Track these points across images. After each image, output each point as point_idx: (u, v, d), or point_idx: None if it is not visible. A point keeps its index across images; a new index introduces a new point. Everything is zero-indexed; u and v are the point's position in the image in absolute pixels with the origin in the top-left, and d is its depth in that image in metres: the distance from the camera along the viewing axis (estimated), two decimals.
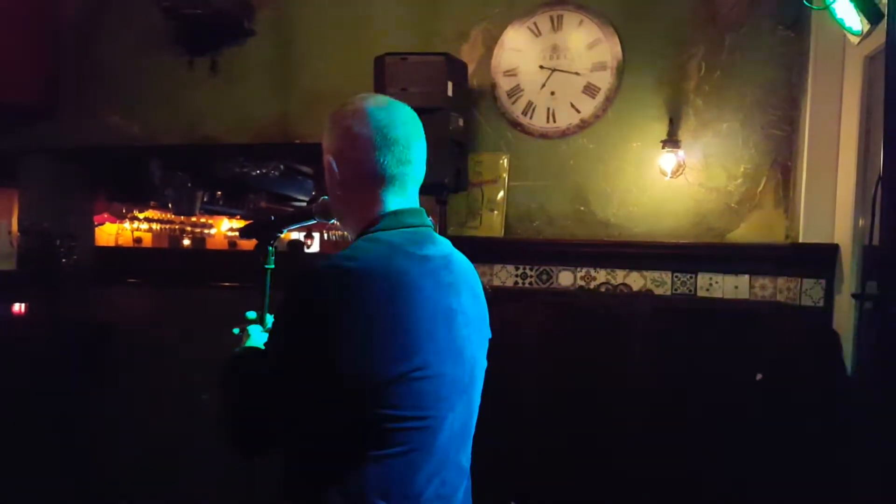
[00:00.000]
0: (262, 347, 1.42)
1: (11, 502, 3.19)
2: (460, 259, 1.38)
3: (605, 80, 3.08)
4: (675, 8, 3.01)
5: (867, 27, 1.96)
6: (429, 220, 1.37)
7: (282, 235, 1.71)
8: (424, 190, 1.39)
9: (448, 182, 2.86)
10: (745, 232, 2.95)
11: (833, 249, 2.71)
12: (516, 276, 3.19)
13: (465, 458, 1.35)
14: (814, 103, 2.76)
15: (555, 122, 3.14)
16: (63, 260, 3.81)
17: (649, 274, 3.03)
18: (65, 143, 3.79)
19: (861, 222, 2.60)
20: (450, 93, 2.81)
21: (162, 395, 3.44)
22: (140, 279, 3.94)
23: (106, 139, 3.74)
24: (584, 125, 3.11)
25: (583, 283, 3.11)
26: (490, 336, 1.41)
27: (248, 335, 1.52)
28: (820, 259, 2.75)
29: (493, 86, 3.21)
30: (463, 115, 2.95)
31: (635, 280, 3.05)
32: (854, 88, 2.63)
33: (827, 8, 2.06)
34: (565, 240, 3.13)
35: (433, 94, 2.77)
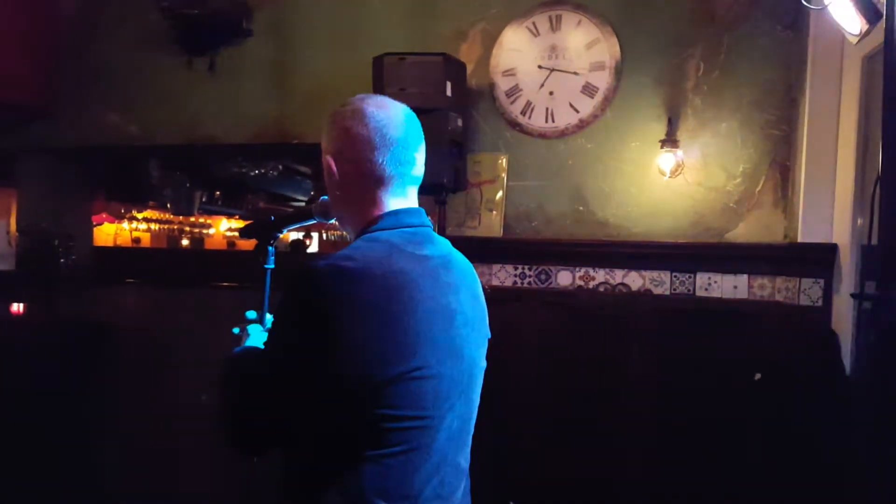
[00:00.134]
0: (262, 347, 1.42)
1: (11, 502, 3.18)
2: (460, 259, 1.38)
3: (603, 80, 3.08)
4: (674, 8, 3.02)
5: (865, 27, 1.96)
6: (428, 220, 1.37)
7: (281, 235, 1.72)
8: (423, 190, 1.39)
9: (447, 182, 2.86)
10: (743, 232, 2.96)
11: (832, 249, 2.72)
12: (515, 275, 3.19)
13: (464, 459, 1.35)
14: (812, 103, 2.76)
15: (553, 121, 3.14)
16: (61, 260, 3.81)
17: (648, 274, 3.03)
18: (63, 143, 3.79)
19: (860, 222, 2.60)
20: (448, 93, 2.82)
21: (160, 396, 3.44)
22: (138, 279, 3.94)
23: (104, 139, 3.74)
24: (582, 125, 3.11)
25: (581, 282, 3.11)
26: (489, 336, 1.41)
27: (248, 335, 1.52)
28: (818, 259, 2.75)
29: (492, 86, 3.21)
30: (461, 116, 2.96)
31: (634, 280, 3.06)
32: (852, 88, 2.63)
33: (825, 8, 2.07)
34: (564, 240, 3.14)
35: (432, 94, 2.77)
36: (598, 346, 3.02)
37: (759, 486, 2.67)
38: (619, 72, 3.06)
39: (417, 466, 1.21)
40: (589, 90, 3.10)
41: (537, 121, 3.16)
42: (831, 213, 2.74)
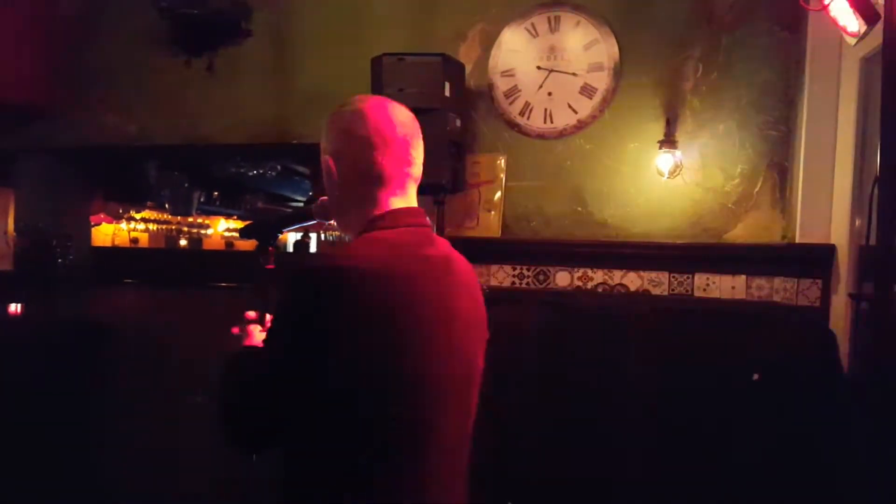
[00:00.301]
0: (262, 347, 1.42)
1: (11, 502, 3.18)
2: (459, 259, 1.38)
3: (602, 81, 3.08)
4: (672, 9, 3.02)
5: (864, 28, 1.97)
6: (427, 220, 1.37)
7: (281, 235, 1.72)
8: (422, 190, 1.39)
9: (445, 182, 2.86)
10: (741, 232, 2.96)
11: (830, 250, 2.72)
12: (513, 276, 3.19)
13: (463, 459, 1.35)
14: (810, 104, 2.76)
15: (552, 122, 3.15)
16: (59, 260, 3.81)
17: (646, 274, 3.04)
18: (61, 143, 3.79)
19: (857, 222, 2.61)
20: (447, 93, 2.82)
21: (159, 396, 3.44)
22: (137, 279, 3.94)
23: (102, 139, 3.73)
24: (581, 126, 3.11)
25: (580, 283, 3.12)
26: (488, 337, 1.41)
27: (248, 335, 1.52)
28: (816, 259, 2.75)
29: (491, 86, 3.21)
30: (460, 116, 2.96)
31: (632, 280, 3.06)
32: (850, 89, 2.64)
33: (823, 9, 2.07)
34: (562, 240, 3.14)
35: (430, 94, 2.77)
36: (597, 346, 3.02)
37: (758, 485, 2.67)
38: (617, 73, 3.07)
39: (417, 466, 1.22)
40: (587, 91, 3.10)
41: (536, 121, 3.16)
42: (829, 213, 2.74)
